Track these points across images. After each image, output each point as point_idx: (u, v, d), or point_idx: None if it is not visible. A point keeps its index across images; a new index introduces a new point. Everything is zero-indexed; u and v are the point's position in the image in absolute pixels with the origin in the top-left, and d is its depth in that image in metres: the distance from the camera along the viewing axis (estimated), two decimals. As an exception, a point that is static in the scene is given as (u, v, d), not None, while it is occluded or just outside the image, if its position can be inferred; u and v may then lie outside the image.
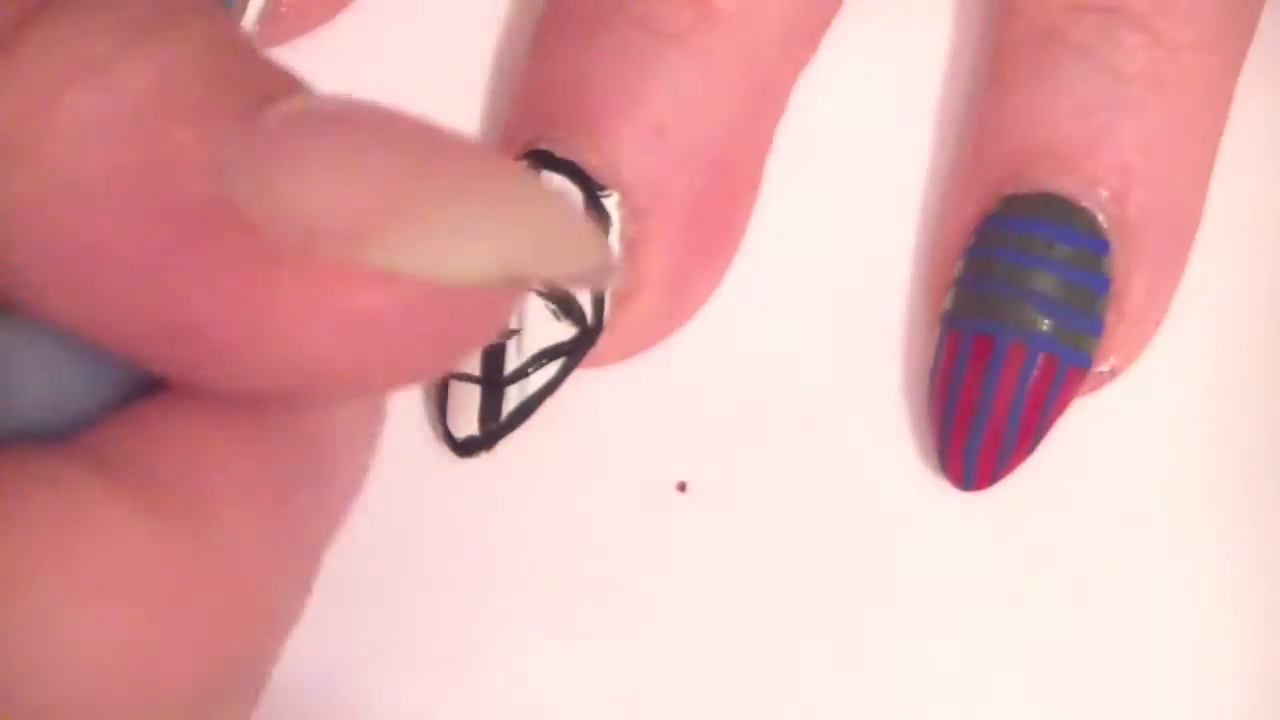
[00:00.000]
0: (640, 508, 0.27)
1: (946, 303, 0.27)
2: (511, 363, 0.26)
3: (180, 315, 0.15)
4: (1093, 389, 0.27)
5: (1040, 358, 0.26)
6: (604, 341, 0.26)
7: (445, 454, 0.27)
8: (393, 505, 0.27)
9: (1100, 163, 0.26)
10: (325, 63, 0.28)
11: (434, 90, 0.29)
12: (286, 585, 0.17)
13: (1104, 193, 0.26)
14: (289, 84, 0.16)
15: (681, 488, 0.27)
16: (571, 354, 0.26)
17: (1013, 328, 0.26)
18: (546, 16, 0.28)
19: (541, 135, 0.26)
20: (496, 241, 0.15)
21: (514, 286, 0.15)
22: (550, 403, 0.27)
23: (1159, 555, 0.27)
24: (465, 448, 0.26)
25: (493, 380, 0.26)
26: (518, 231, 0.15)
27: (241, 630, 0.16)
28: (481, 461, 0.27)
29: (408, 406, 0.28)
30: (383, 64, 0.29)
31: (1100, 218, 0.26)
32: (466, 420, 0.26)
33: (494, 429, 0.26)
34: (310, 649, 0.27)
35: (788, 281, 0.28)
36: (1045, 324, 0.26)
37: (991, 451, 0.26)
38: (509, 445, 0.27)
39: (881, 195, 0.29)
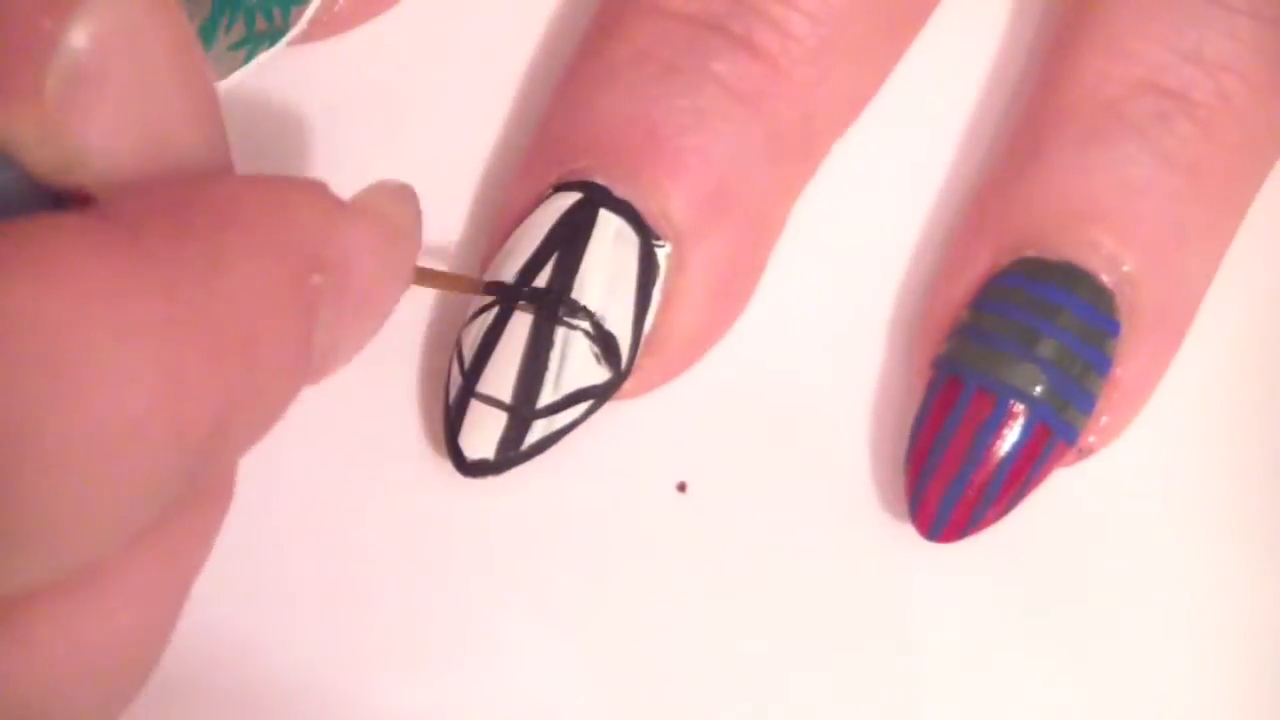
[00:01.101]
0: (640, 508, 0.27)
1: (946, 349, 0.27)
2: (545, 398, 0.26)
3: None
4: (1068, 464, 0.27)
5: (1037, 424, 0.26)
6: (626, 385, 0.27)
7: (445, 456, 0.27)
8: (392, 506, 0.27)
9: (1132, 247, 0.26)
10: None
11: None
12: (292, 341, 0.19)
13: (1127, 276, 0.26)
14: None
15: (681, 488, 0.27)
16: (601, 397, 0.26)
17: (1016, 389, 0.26)
18: (608, 42, 0.27)
19: (596, 168, 0.26)
20: None
21: None
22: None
23: (1152, 580, 0.27)
24: (474, 469, 0.26)
25: (523, 411, 0.26)
26: None
27: (252, 375, 0.18)
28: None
29: (408, 408, 0.28)
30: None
31: (1118, 299, 0.26)
32: (482, 442, 0.26)
33: (510, 457, 0.26)
34: (310, 649, 0.27)
35: (788, 282, 0.28)
36: (1048, 392, 0.26)
37: (969, 507, 0.26)
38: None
39: (883, 218, 0.29)
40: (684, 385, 0.28)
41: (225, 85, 0.28)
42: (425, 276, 0.25)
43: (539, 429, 0.26)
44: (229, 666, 0.27)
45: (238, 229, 0.18)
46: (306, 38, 0.28)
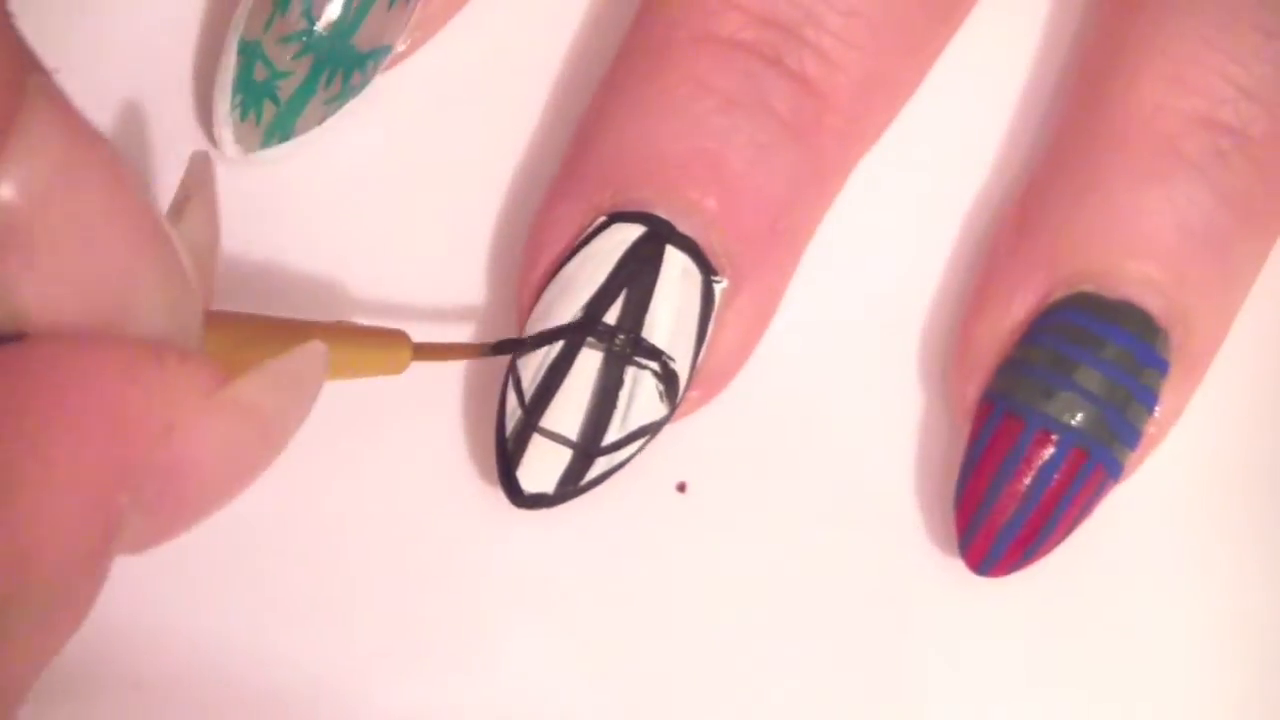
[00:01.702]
0: (640, 508, 0.27)
1: (1000, 382, 0.26)
2: (612, 435, 0.26)
3: None
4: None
5: (1097, 465, 0.26)
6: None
7: (446, 456, 0.27)
8: (392, 506, 0.27)
9: (1188, 287, 0.26)
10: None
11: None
12: (68, 565, 0.18)
13: (1181, 315, 0.26)
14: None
15: (681, 488, 0.27)
16: (657, 431, 0.26)
17: (1080, 430, 0.26)
18: (658, 66, 0.27)
19: (658, 201, 0.26)
20: None
21: None
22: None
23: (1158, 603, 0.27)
24: (531, 502, 0.26)
25: (589, 449, 0.26)
26: None
27: (18, 588, 0.18)
28: (482, 462, 0.27)
29: (411, 413, 0.28)
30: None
31: (1172, 339, 0.26)
32: (542, 477, 0.26)
33: (568, 491, 0.26)
34: (310, 649, 0.27)
35: (793, 285, 0.28)
36: (1105, 432, 0.26)
37: (1023, 545, 0.26)
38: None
39: (885, 224, 0.29)
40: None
41: (309, 135, 0.28)
42: (425, 351, 0.24)
43: (600, 465, 0.26)
44: (229, 668, 0.27)
45: (34, 460, 0.17)
46: (395, 60, 0.28)
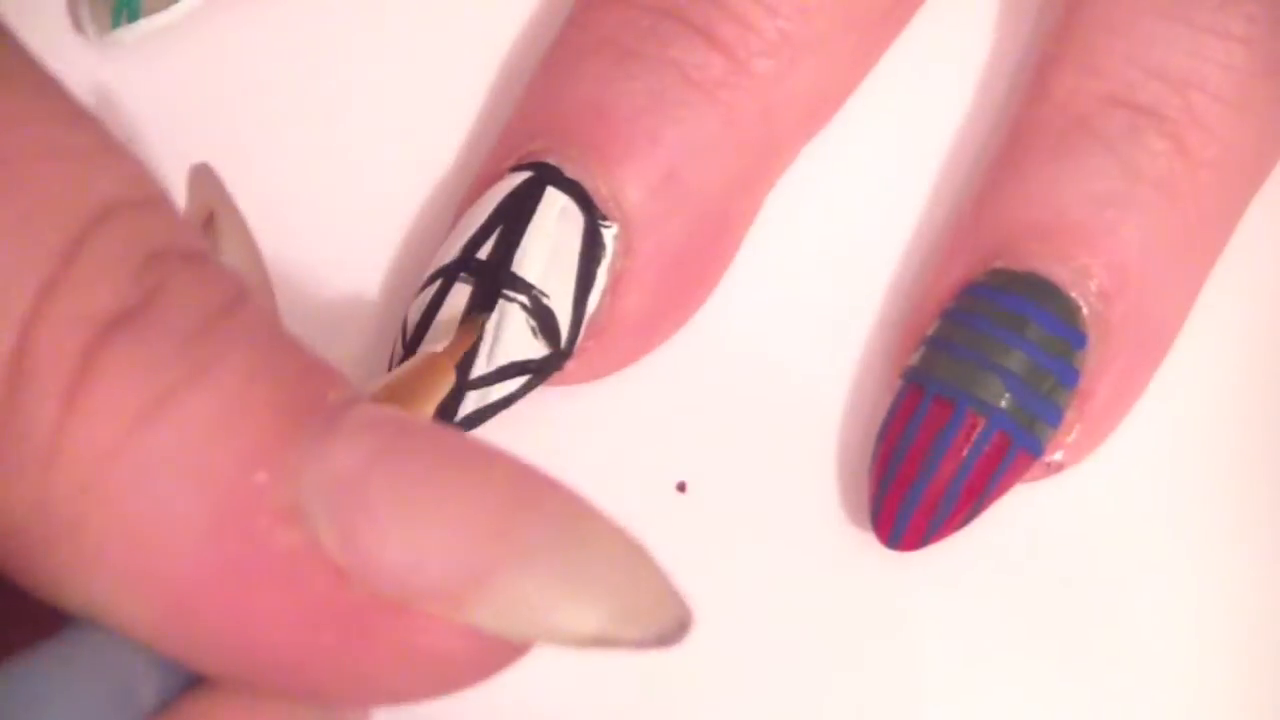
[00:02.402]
0: (640, 508, 0.27)
1: (914, 358, 0.27)
2: (479, 369, 0.26)
3: (267, 653, 0.15)
4: (1035, 478, 0.27)
5: (996, 434, 0.26)
6: (569, 365, 0.26)
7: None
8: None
9: (1098, 258, 0.26)
10: (331, 55, 0.29)
11: (436, 85, 0.29)
12: None
13: (1094, 288, 0.26)
14: (340, 382, 0.16)
15: (681, 488, 0.27)
16: (538, 373, 0.26)
17: (975, 398, 0.26)
18: (575, 31, 0.28)
19: (551, 149, 0.26)
20: (597, 606, 0.16)
21: (601, 649, 0.16)
22: (550, 401, 0.27)
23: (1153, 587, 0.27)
24: None
25: (458, 381, 0.26)
26: (616, 592, 0.16)
27: None
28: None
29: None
30: (387, 57, 0.29)
31: (1085, 311, 0.26)
32: None
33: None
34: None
35: (788, 284, 0.28)
36: (1007, 402, 0.26)
37: (925, 516, 0.26)
38: (509, 446, 0.27)
39: (879, 223, 0.29)
40: (684, 385, 0.28)
41: (162, 18, 0.28)
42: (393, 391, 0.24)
43: (472, 400, 0.26)
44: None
45: None
46: None
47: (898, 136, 0.29)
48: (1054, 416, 0.26)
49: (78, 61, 0.28)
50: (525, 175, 0.26)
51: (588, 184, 0.26)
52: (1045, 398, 0.26)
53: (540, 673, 0.27)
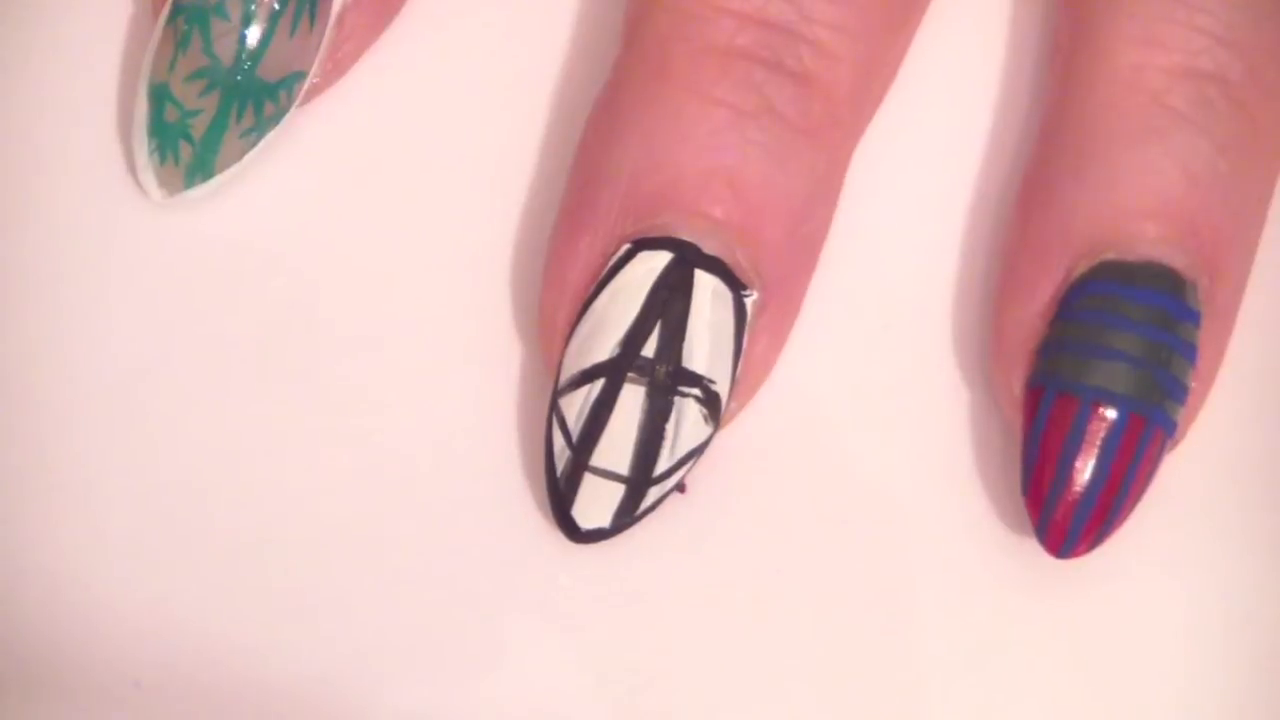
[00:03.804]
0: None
1: (1042, 366, 0.26)
2: (664, 464, 0.26)
3: None
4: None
5: (1156, 428, 0.26)
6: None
7: (446, 456, 0.27)
8: (392, 506, 0.27)
9: (1203, 235, 0.26)
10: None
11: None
12: None
13: (1204, 266, 0.26)
14: None
15: (681, 488, 0.27)
16: (703, 450, 0.26)
17: (1133, 399, 0.26)
18: (669, 88, 0.26)
19: (680, 224, 0.26)
20: None
21: None
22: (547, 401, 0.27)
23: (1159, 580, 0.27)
24: (590, 537, 0.26)
25: (641, 482, 0.26)
26: None
27: None
28: (483, 460, 0.27)
29: (412, 406, 0.28)
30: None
31: (1200, 290, 0.26)
32: (597, 513, 0.26)
33: (625, 522, 0.26)
34: (310, 649, 0.27)
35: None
36: (1159, 396, 0.26)
37: (1099, 521, 0.26)
38: (509, 446, 0.28)
39: (885, 221, 0.29)
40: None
41: (233, 170, 0.28)
42: None
43: (653, 494, 0.26)
44: (230, 668, 0.27)
45: None
46: (313, 91, 0.28)
47: (922, 134, 0.29)
48: (1182, 395, 0.26)
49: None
50: (665, 257, 0.26)
51: (728, 257, 0.26)
52: (1176, 379, 0.26)
53: (541, 673, 0.27)
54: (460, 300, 0.28)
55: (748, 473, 0.28)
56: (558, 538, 0.27)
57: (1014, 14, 0.30)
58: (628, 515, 0.26)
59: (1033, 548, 0.27)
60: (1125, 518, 0.26)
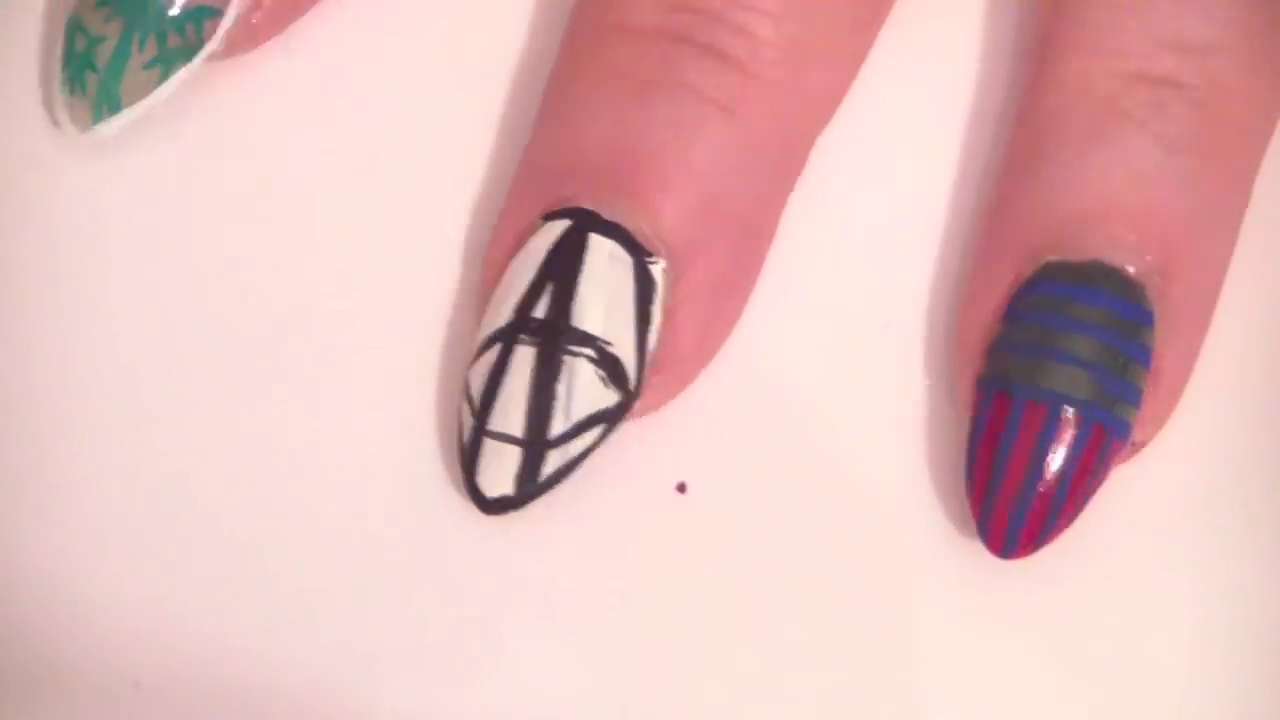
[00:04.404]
0: (640, 508, 0.27)
1: (988, 366, 0.26)
2: (559, 427, 0.26)
3: None
4: (1121, 461, 0.27)
5: (1092, 427, 0.26)
6: (636, 404, 0.26)
7: (446, 457, 0.27)
8: (392, 505, 0.27)
9: (1153, 235, 0.26)
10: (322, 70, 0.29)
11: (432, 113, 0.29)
12: None
13: (1153, 265, 0.26)
14: None
15: (681, 488, 0.27)
16: (612, 420, 0.26)
17: (1066, 396, 0.26)
18: (579, 65, 0.27)
19: (583, 194, 0.26)
20: None
21: None
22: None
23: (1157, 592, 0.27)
24: (495, 506, 0.26)
25: (536, 444, 0.26)
26: None
27: None
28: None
29: (413, 415, 0.28)
30: (380, 75, 0.29)
31: (1148, 290, 0.26)
32: (500, 479, 0.26)
33: (529, 490, 0.26)
34: (310, 649, 0.27)
35: (788, 283, 0.28)
36: (1096, 392, 0.26)
37: (1039, 521, 0.26)
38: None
39: (879, 221, 0.29)
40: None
41: (145, 105, 0.28)
42: None
43: (554, 459, 0.26)
44: (229, 668, 0.27)
45: None
46: (229, 51, 0.28)
47: (904, 137, 0.29)
48: (1135, 398, 0.26)
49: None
50: (564, 225, 0.26)
51: (629, 224, 0.26)
52: (1126, 381, 0.26)
53: (541, 673, 0.27)
54: (462, 300, 0.28)
55: (747, 473, 0.28)
56: (559, 538, 0.27)
57: (1019, 19, 0.30)
58: (530, 482, 0.26)
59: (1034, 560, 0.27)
60: (1069, 518, 0.26)
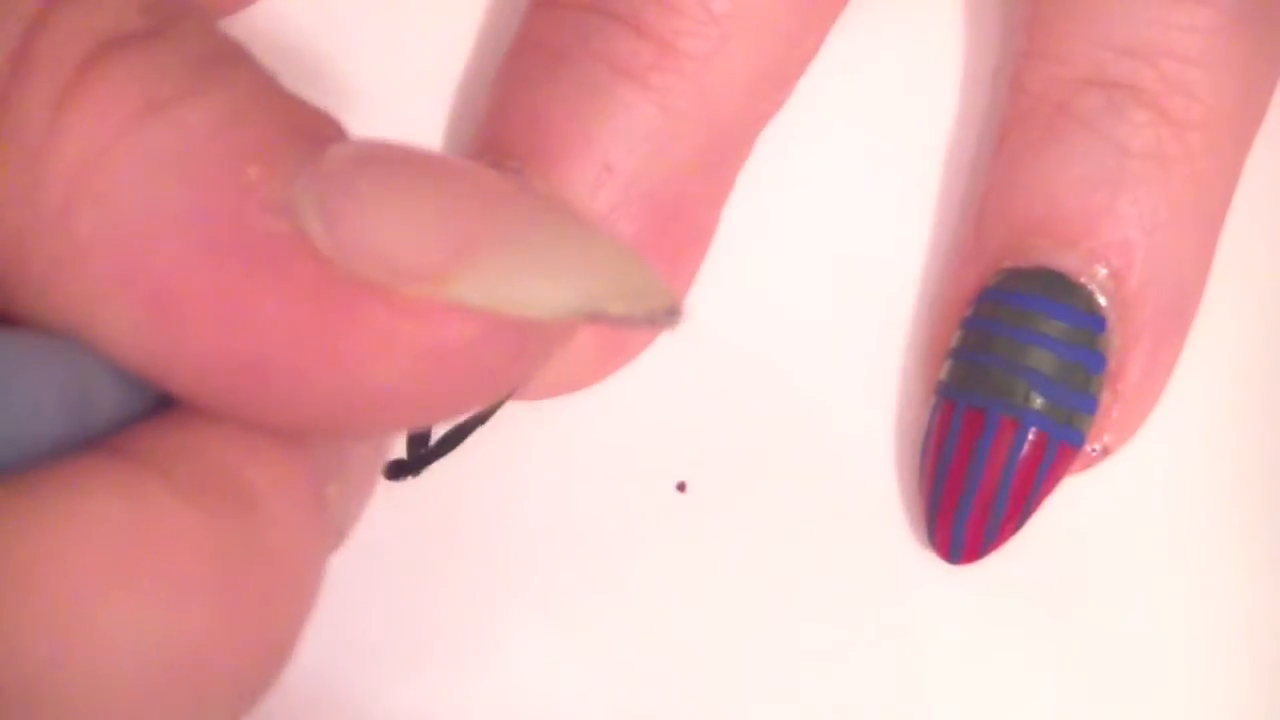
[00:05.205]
0: (640, 508, 0.27)
1: (942, 372, 0.27)
2: None
3: (252, 346, 0.15)
4: (1084, 467, 0.27)
5: (1031, 434, 0.26)
6: (534, 381, 0.26)
7: (446, 456, 0.27)
8: (392, 505, 0.27)
9: (1100, 239, 0.26)
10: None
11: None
12: (318, 570, 0.18)
13: (1103, 270, 0.26)
14: (338, 129, 0.16)
15: (681, 488, 0.27)
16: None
17: (1005, 402, 0.26)
18: (514, 43, 0.28)
19: (494, 164, 0.26)
20: (580, 278, 0.15)
21: (590, 322, 0.15)
22: (551, 402, 0.27)
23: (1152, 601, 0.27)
24: (392, 471, 0.26)
25: None
26: (599, 268, 0.16)
27: (284, 614, 0.17)
28: (482, 460, 0.27)
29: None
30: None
31: (1098, 295, 0.26)
32: (395, 445, 0.26)
33: (422, 455, 0.26)
34: (310, 649, 0.27)
35: (786, 282, 0.28)
36: (1038, 401, 0.26)
37: (979, 526, 0.26)
38: (509, 446, 0.27)
39: (874, 223, 0.29)
40: (684, 385, 0.28)
41: None
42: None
43: (441, 424, 0.26)
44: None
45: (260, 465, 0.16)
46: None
47: (897, 138, 0.29)
48: (1089, 404, 0.26)
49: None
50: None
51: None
52: (1076, 388, 0.26)
53: (541, 673, 0.27)
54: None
55: (747, 473, 0.28)
56: (559, 539, 0.27)
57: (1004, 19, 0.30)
58: (421, 446, 0.26)
59: (1034, 548, 0.27)
60: (1013, 522, 0.26)
